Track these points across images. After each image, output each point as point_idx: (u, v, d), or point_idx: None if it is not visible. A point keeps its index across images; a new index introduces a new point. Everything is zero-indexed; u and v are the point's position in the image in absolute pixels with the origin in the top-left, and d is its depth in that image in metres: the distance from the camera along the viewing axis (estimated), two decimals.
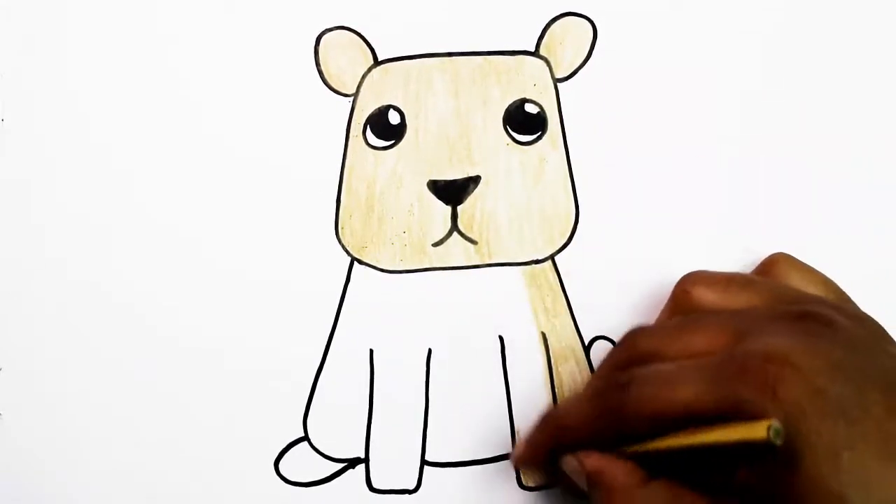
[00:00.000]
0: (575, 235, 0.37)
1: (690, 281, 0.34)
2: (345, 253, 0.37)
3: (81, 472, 0.36)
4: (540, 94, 0.37)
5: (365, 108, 0.37)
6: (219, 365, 0.37)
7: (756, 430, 0.25)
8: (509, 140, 0.37)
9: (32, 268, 0.37)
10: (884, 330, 0.30)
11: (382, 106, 0.37)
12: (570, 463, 0.32)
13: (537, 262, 0.37)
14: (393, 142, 0.37)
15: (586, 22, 0.37)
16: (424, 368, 0.37)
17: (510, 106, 0.37)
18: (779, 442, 0.25)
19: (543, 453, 0.33)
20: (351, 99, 0.37)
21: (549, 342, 0.37)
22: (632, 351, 0.32)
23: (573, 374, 0.37)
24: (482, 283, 0.37)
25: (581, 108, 0.37)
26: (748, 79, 0.38)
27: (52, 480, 0.36)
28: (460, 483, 0.37)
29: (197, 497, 0.36)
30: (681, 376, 0.29)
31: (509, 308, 0.37)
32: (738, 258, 0.37)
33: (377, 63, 0.37)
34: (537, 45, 0.37)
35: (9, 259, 0.37)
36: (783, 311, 0.30)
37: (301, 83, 0.37)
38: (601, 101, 0.37)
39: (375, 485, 0.37)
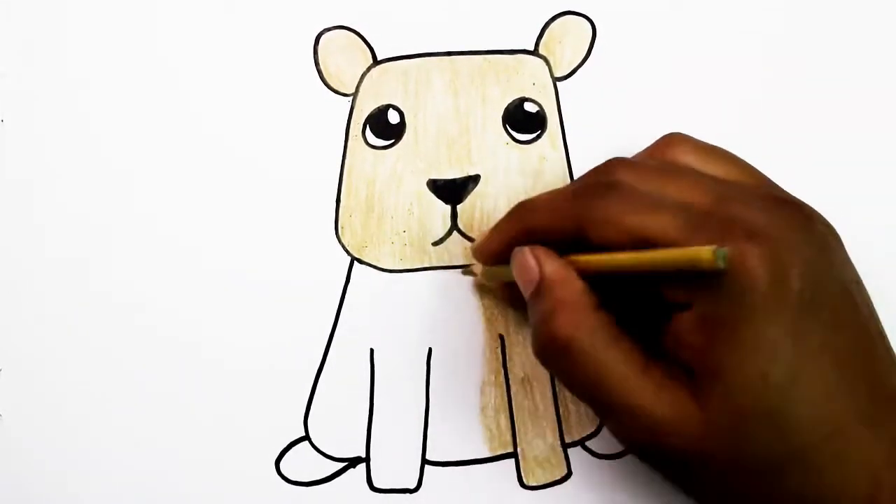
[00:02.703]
0: None
1: (674, 140, 0.32)
2: (345, 252, 0.37)
3: (81, 472, 0.36)
4: (539, 93, 0.37)
5: (364, 108, 0.37)
6: (219, 365, 0.37)
7: (703, 253, 0.26)
8: (509, 139, 0.37)
9: (33, 268, 0.37)
10: (838, 237, 0.30)
11: (382, 105, 0.37)
12: (524, 258, 0.31)
13: None
14: (392, 141, 0.37)
15: (585, 21, 0.38)
16: (425, 368, 0.37)
17: (509, 105, 0.37)
18: (721, 265, 0.25)
19: (506, 243, 0.32)
20: (350, 98, 0.37)
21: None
22: (608, 178, 0.30)
23: None
24: (481, 282, 0.37)
25: (580, 106, 0.37)
26: (747, 78, 0.38)
27: (52, 480, 0.36)
28: (461, 483, 0.37)
29: (197, 497, 0.36)
30: (663, 207, 0.28)
31: (510, 307, 0.37)
32: None
33: (376, 62, 0.37)
34: (536, 44, 0.37)
35: (9, 259, 0.37)
36: (767, 192, 0.30)
37: (300, 83, 0.37)
38: (600, 100, 0.37)
39: (376, 484, 0.37)
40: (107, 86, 0.37)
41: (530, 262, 0.30)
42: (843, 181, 0.38)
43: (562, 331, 0.29)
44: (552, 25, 0.37)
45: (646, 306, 0.30)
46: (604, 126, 0.38)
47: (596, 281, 0.30)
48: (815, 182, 0.37)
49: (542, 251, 0.31)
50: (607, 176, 0.30)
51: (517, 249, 0.31)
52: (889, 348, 0.29)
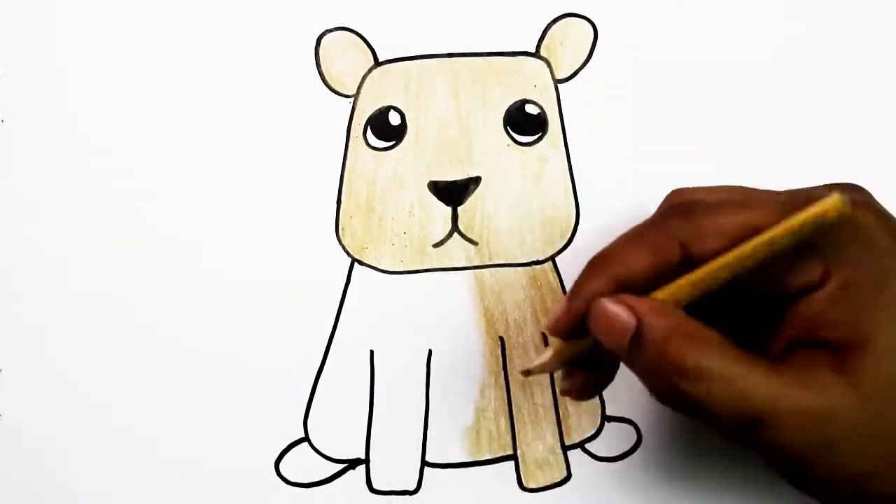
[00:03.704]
0: (575, 236, 0.37)
1: (684, 191, 0.31)
2: (345, 254, 0.37)
3: (81, 472, 0.36)
4: (540, 95, 0.37)
5: (365, 109, 0.37)
6: (219, 365, 0.37)
7: (830, 203, 0.25)
8: (510, 141, 0.37)
9: (32, 268, 0.37)
10: None
11: (383, 107, 0.37)
12: (605, 308, 0.28)
13: (538, 262, 0.37)
14: (393, 143, 0.37)
15: (587, 23, 0.37)
16: (424, 369, 0.37)
17: (511, 107, 0.37)
18: (848, 209, 0.25)
19: (589, 303, 0.29)
20: (351, 100, 0.37)
21: (549, 343, 0.37)
22: (680, 201, 0.29)
23: None
24: (483, 283, 0.37)
25: (581, 108, 0.37)
26: (749, 79, 0.38)
27: (52, 480, 0.36)
28: (460, 484, 0.37)
29: (197, 497, 0.36)
30: (752, 203, 0.28)
31: (510, 309, 0.37)
32: None
33: (377, 64, 0.37)
34: (538, 46, 0.37)
35: (9, 259, 0.37)
36: (823, 187, 0.30)
37: (302, 84, 0.37)
38: (601, 102, 0.37)
39: (376, 485, 0.37)
40: (107, 86, 0.37)
41: (617, 310, 0.28)
42: (844, 181, 0.38)
43: (690, 358, 0.27)
44: (553, 27, 0.37)
45: (748, 312, 0.29)
46: (605, 128, 0.37)
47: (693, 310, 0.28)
48: (816, 182, 0.38)
49: (625, 295, 0.28)
50: (680, 203, 0.29)
51: (595, 303, 0.28)
52: None
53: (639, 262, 0.28)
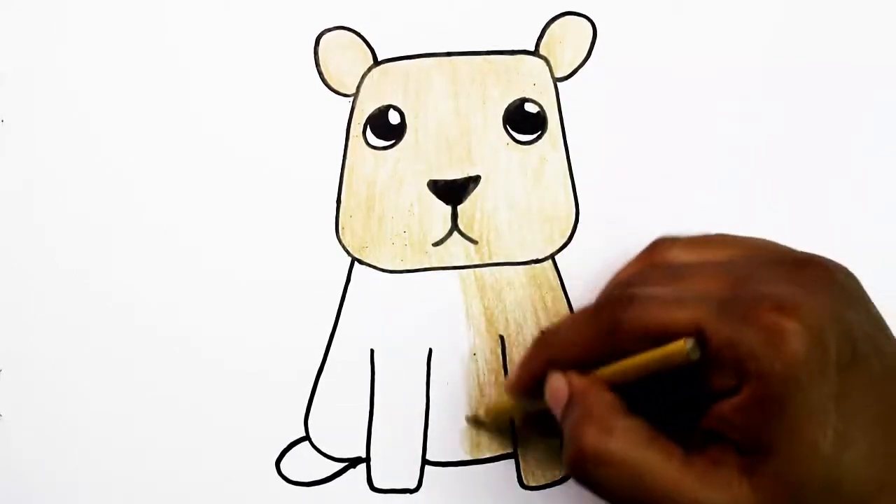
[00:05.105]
0: (575, 235, 0.37)
1: (664, 245, 0.33)
2: (345, 253, 0.37)
3: (81, 472, 0.36)
4: (540, 94, 0.37)
5: (365, 108, 0.37)
6: (220, 365, 0.37)
7: (677, 346, 0.27)
8: (509, 140, 0.37)
9: (32, 268, 0.37)
10: (859, 283, 0.30)
11: (382, 106, 0.37)
12: (553, 380, 0.31)
13: (537, 261, 0.37)
14: (393, 142, 0.37)
15: (586, 21, 0.37)
16: (425, 368, 0.37)
17: (510, 105, 0.37)
18: (695, 357, 0.27)
19: (536, 375, 0.32)
20: (351, 99, 0.37)
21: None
22: (622, 293, 0.31)
23: None
24: (483, 282, 0.37)
25: (581, 107, 0.37)
26: (748, 78, 0.38)
27: (52, 480, 0.36)
28: (461, 483, 0.37)
29: (198, 497, 0.36)
30: (684, 301, 0.28)
31: (510, 307, 0.37)
32: None
33: (377, 63, 0.37)
34: (537, 45, 0.37)
35: (9, 259, 0.37)
36: (781, 258, 0.30)
37: (301, 83, 0.37)
38: (601, 101, 0.37)
39: (376, 484, 0.37)
40: (107, 86, 0.37)
41: (559, 383, 0.31)
42: (845, 182, 0.38)
43: (592, 439, 0.29)
44: (553, 26, 0.37)
45: (678, 400, 0.29)
46: (604, 126, 0.37)
47: (626, 389, 0.30)
48: (816, 182, 0.38)
49: (572, 372, 0.31)
50: (620, 293, 0.31)
51: (549, 373, 0.31)
52: None
53: (572, 353, 0.31)
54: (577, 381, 0.30)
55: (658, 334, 0.28)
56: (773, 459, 0.27)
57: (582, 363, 0.31)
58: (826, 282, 0.28)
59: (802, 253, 0.30)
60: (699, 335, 0.27)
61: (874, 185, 0.38)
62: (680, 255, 0.32)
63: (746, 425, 0.27)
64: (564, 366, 0.31)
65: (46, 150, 0.37)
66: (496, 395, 0.37)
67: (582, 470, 0.29)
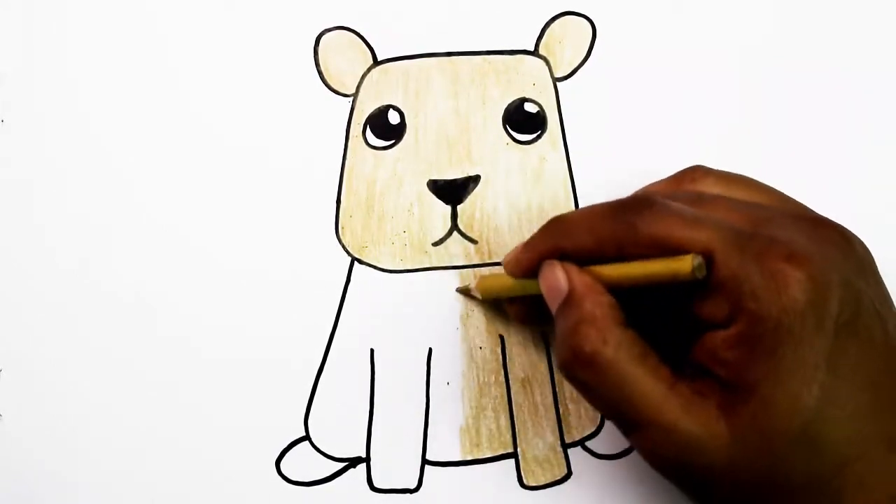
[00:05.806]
0: None
1: (697, 173, 0.32)
2: (345, 253, 0.37)
3: (81, 472, 0.36)
4: (539, 94, 0.37)
5: (365, 108, 0.37)
6: (219, 365, 0.37)
7: (685, 261, 0.27)
8: (509, 139, 0.37)
9: (33, 268, 0.37)
10: (874, 259, 0.30)
11: (382, 106, 0.37)
12: (553, 271, 0.31)
13: None
14: (393, 142, 0.37)
15: (585, 21, 0.38)
16: (425, 367, 0.37)
17: (510, 105, 0.37)
18: (700, 275, 0.27)
19: (538, 258, 0.32)
20: (351, 99, 0.37)
21: (549, 341, 0.37)
22: (645, 195, 0.31)
23: None
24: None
25: (581, 107, 0.37)
26: (747, 78, 0.38)
27: (52, 480, 0.36)
28: (461, 483, 0.37)
29: (198, 497, 0.36)
30: (702, 223, 0.28)
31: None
32: None
33: (377, 63, 0.37)
34: (536, 45, 0.37)
35: (9, 259, 0.37)
36: (805, 214, 0.30)
37: (301, 83, 0.37)
38: (601, 101, 0.38)
39: (376, 484, 0.37)
40: (107, 86, 0.37)
41: (559, 276, 0.30)
42: (844, 182, 0.38)
43: (588, 344, 0.28)
44: (552, 26, 0.37)
45: (675, 323, 0.30)
46: (604, 126, 0.38)
47: (625, 298, 0.30)
48: (816, 182, 0.38)
49: (571, 266, 0.30)
50: (643, 197, 0.30)
51: (547, 262, 0.31)
52: None
53: (582, 243, 0.30)
54: (578, 278, 0.30)
55: (669, 246, 0.28)
56: (752, 401, 0.27)
57: (587, 256, 0.30)
58: (842, 246, 0.29)
59: (827, 218, 0.30)
60: (708, 259, 0.27)
61: (875, 186, 0.38)
62: (711, 186, 0.32)
63: (733, 360, 0.27)
64: (569, 255, 0.31)
65: (46, 150, 0.37)
66: (490, 271, 0.37)
67: (571, 370, 0.29)
